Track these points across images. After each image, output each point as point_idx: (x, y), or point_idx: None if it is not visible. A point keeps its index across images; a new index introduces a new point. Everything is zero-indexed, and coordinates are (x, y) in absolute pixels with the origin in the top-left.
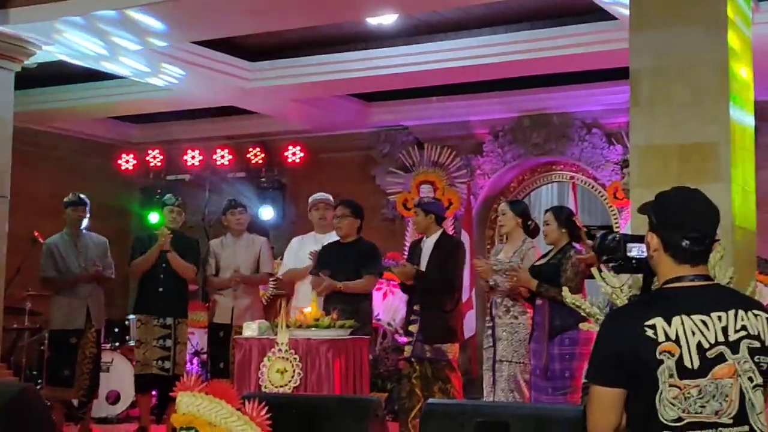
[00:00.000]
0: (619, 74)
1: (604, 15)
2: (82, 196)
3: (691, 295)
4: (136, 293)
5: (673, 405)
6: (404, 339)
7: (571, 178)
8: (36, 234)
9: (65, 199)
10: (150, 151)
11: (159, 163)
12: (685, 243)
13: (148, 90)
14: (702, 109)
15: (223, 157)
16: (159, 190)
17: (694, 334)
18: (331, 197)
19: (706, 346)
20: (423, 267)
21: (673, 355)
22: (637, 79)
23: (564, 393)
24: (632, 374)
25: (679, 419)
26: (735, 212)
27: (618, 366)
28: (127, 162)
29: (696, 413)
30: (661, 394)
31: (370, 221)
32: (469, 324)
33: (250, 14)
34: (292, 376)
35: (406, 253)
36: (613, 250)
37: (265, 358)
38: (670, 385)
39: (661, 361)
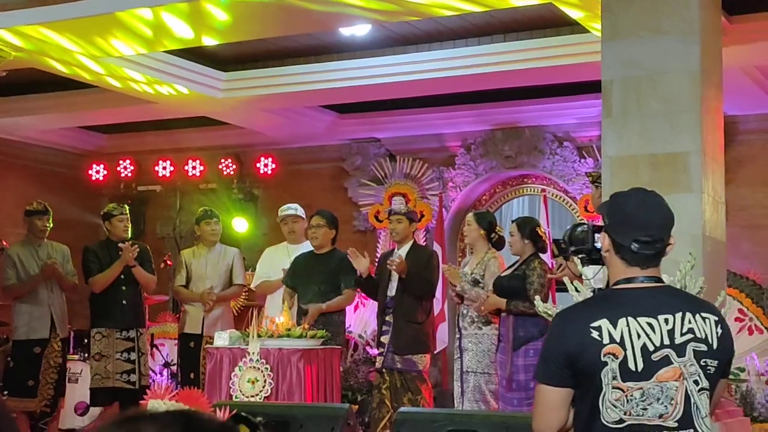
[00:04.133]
0: (591, 88)
1: (577, 28)
2: (45, 204)
3: (640, 297)
4: (93, 306)
5: (615, 407)
6: (375, 351)
7: (543, 191)
8: (4, 243)
9: (28, 208)
10: (121, 162)
11: (130, 174)
12: (635, 246)
13: (119, 99)
14: (673, 119)
15: (194, 168)
16: (129, 201)
17: (639, 336)
18: (299, 209)
19: (651, 348)
20: (395, 279)
21: (617, 358)
22: (609, 89)
23: (529, 404)
24: (577, 375)
25: (621, 421)
26: (705, 222)
27: (564, 366)
28: (97, 172)
29: (638, 415)
30: (604, 395)
31: (342, 233)
32: (442, 336)
33: (224, 24)
34: (264, 386)
35: (377, 264)
36: (582, 241)
37: (237, 368)
38: (614, 387)
39: (605, 363)
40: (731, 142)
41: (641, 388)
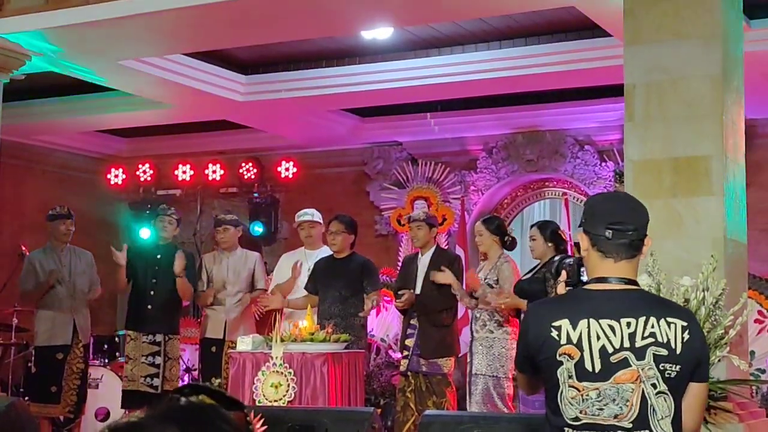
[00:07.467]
0: (612, 92)
1: (599, 31)
2: (68, 208)
3: (606, 299)
4: (126, 308)
5: (572, 405)
6: (398, 355)
7: (564, 194)
8: (23, 248)
9: (51, 212)
10: (140, 166)
11: (149, 178)
12: (608, 233)
13: (139, 103)
14: (695, 123)
15: (215, 172)
16: (149, 205)
17: (599, 338)
18: (316, 214)
19: (611, 350)
20: (420, 283)
21: (572, 358)
22: (632, 93)
23: None
24: (539, 370)
25: (577, 419)
26: (727, 225)
27: (527, 358)
28: (116, 176)
29: (593, 415)
30: (561, 393)
31: (364, 237)
32: (465, 339)
33: (244, 27)
34: (287, 390)
35: (400, 267)
36: (568, 274)
37: (260, 373)
38: (570, 386)
39: (561, 363)
40: (750, 146)
41: (597, 389)
